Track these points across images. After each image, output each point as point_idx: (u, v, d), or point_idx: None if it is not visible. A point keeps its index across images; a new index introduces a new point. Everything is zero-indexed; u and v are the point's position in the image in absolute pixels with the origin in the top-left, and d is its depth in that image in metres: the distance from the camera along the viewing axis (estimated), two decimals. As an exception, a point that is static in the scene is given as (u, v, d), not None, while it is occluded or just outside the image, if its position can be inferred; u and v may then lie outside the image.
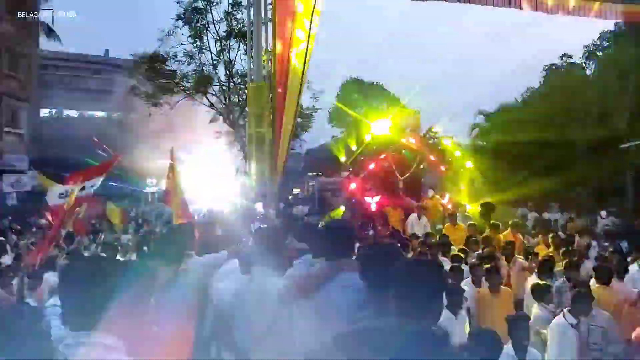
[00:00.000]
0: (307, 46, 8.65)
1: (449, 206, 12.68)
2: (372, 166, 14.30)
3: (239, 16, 18.77)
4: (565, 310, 4.42)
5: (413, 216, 11.18)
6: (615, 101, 17.40)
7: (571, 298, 4.50)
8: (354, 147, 16.54)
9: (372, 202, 13.18)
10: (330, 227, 3.36)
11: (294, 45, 8.72)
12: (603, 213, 13.07)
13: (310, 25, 8.69)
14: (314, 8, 8.73)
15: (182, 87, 19.86)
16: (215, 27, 19.25)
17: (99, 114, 40.45)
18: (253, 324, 3.14)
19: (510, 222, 9.00)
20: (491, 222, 8.95)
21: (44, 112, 39.78)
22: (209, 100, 20.35)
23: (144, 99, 20.63)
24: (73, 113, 41.88)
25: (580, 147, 17.46)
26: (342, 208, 12.75)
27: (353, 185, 13.88)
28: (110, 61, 44.58)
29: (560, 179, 17.37)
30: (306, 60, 8.73)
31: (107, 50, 49.12)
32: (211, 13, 19.08)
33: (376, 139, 15.43)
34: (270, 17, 9.06)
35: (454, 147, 15.58)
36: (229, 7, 18.98)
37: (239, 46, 18.94)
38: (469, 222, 9.46)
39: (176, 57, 19.42)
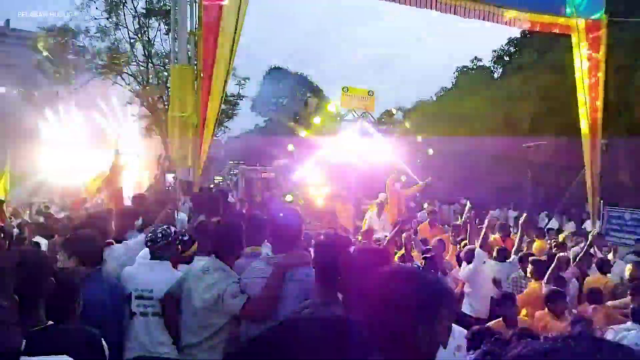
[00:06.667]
0: (237, 26, 8.44)
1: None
2: (320, 153, 12.58)
3: (160, -7, 17.89)
4: None
5: (371, 214, 9.84)
6: (519, 103, 18.89)
7: None
8: (302, 133, 14.46)
9: (320, 195, 11.71)
10: (279, 216, 3.15)
11: (222, 26, 8.48)
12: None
13: (239, 8, 8.49)
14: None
15: (94, 65, 18.56)
16: (133, 3, 18.18)
17: None
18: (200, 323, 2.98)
19: (497, 225, 7.99)
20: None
21: None
22: (124, 80, 19.25)
23: (50, 76, 19.04)
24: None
25: (486, 146, 18.72)
26: (289, 198, 11.13)
27: (296, 175, 12.53)
28: (12, 33, 40.47)
29: (468, 175, 18.61)
30: (234, 43, 8.53)
31: (7, 20, 44.54)
32: (129, -13, 18.01)
33: (326, 122, 13.99)
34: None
35: (413, 133, 13.89)
36: (149, -17, 18.02)
37: (159, 25, 18.04)
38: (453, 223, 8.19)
39: (89, 32, 18.10)
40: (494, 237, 7.55)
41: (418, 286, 1.44)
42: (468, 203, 6.97)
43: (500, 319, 4.67)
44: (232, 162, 32.87)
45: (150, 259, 3.43)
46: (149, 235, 3.41)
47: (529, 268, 5.80)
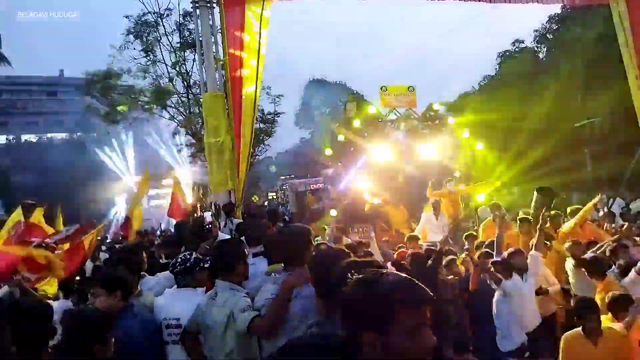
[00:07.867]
0: (259, 49, 8.59)
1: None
2: (366, 157, 12.13)
3: (191, 26, 18.52)
4: None
5: (428, 215, 9.21)
6: (567, 81, 17.95)
7: None
8: (340, 137, 13.88)
9: (370, 200, 10.94)
10: (284, 233, 3.23)
11: (245, 51, 8.66)
12: None
13: (260, 28, 8.64)
14: (262, 14, 8.68)
15: (140, 102, 19.48)
16: (168, 39, 18.98)
17: (59, 136, 39.34)
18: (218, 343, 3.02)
19: (569, 211, 7.21)
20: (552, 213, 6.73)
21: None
22: (169, 113, 20.06)
23: (102, 117, 20.21)
24: (32, 138, 40.62)
25: (538, 128, 17.90)
26: (333, 212, 11.16)
27: (343, 184, 12.32)
28: (66, 81, 43.36)
29: (522, 160, 17.82)
30: (259, 64, 8.67)
31: (61, 71, 47.85)
32: (162, 25, 18.80)
33: (368, 125, 13.39)
34: (219, 25, 8.96)
35: (460, 127, 12.95)
36: (180, 18, 18.74)
37: (194, 56, 18.70)
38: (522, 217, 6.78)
39: (130, 72, 19.04)
40: (570, 225, 6.69)
41: (365, 291, 1.36)
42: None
43: (580, 328, 4.19)
44: (283, 176, 33.38)
45: (177, 287, 3.51)
46: (171, 261, 3.50)
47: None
